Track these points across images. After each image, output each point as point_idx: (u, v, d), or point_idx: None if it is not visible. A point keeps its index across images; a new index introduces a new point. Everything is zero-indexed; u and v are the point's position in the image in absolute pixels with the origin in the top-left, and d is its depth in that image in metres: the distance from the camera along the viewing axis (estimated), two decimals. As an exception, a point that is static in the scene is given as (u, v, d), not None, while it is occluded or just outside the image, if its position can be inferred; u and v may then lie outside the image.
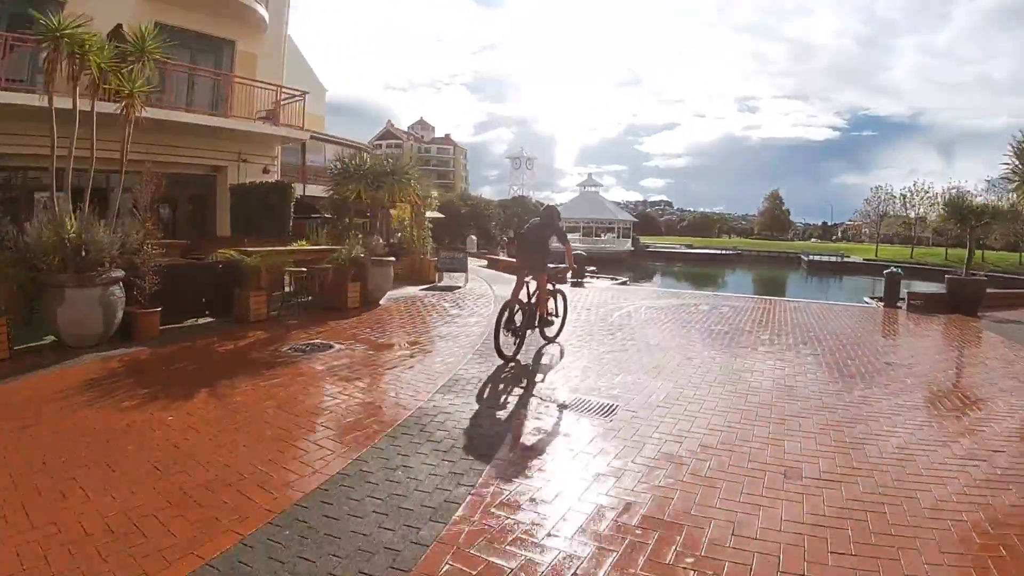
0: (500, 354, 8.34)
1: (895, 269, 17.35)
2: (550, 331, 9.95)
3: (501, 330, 8.37)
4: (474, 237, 42.54)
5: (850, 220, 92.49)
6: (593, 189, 70.52)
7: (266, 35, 20.50)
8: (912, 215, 69.92)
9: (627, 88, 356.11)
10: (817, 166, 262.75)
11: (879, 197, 73.27)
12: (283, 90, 19.26)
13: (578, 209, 66.86)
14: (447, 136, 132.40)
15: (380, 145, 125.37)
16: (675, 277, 55.42)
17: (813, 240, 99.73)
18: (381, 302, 13.81)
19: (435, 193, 27.34)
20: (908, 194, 69.84)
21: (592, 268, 33.20)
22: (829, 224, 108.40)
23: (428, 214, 28.03)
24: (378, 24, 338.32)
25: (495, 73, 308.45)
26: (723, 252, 73.76)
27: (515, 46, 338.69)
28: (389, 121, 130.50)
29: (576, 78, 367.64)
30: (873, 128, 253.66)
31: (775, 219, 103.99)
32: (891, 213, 73.24)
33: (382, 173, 13.78)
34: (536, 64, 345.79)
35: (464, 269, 18.77)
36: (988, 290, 16.32)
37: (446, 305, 13.89)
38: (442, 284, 18.20)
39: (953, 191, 65.50)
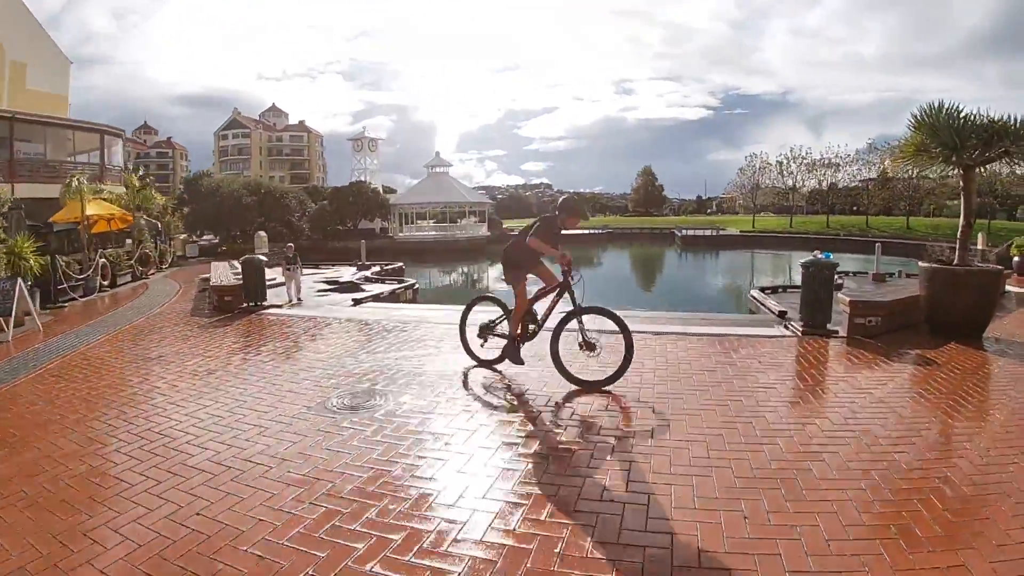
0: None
1: (821, 255, 8.85)
2: (586, 373, 6.15)
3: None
4: (263, 234, 31.97)
5: (724, 192, 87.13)
6: (442, 170, 60.30)
7: None
8: (789, 183, 64.28)
9: (507, 73, 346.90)
10: (692, 144, 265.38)
11: (754, 166, 67.26)
12: None
13: (426, 193, 56.87)
14: (301, 123, 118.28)
15: (226, 135, 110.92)
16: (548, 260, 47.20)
17: (687, 215, 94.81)
18: None
19: (80, 180, 16.81)
20: (784, 161, 64.11)
21: (375, 269, 23.94)
22: (704, 198, 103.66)
23: (91, 210, 17.49)
24: (249, 11, 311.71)
25: (372, 60, 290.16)
26: (594, 232, 66.27)
27: (392, 32, 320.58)
28: (236, 109, 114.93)
29: (455, 64, 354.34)
30: (745, 107, 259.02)
31: (649, 195, 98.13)
32: (766, 183, 67.58)
33: None
34: (414, 51, 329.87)
35: (8, 312, 8.75)
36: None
37: None
38: None
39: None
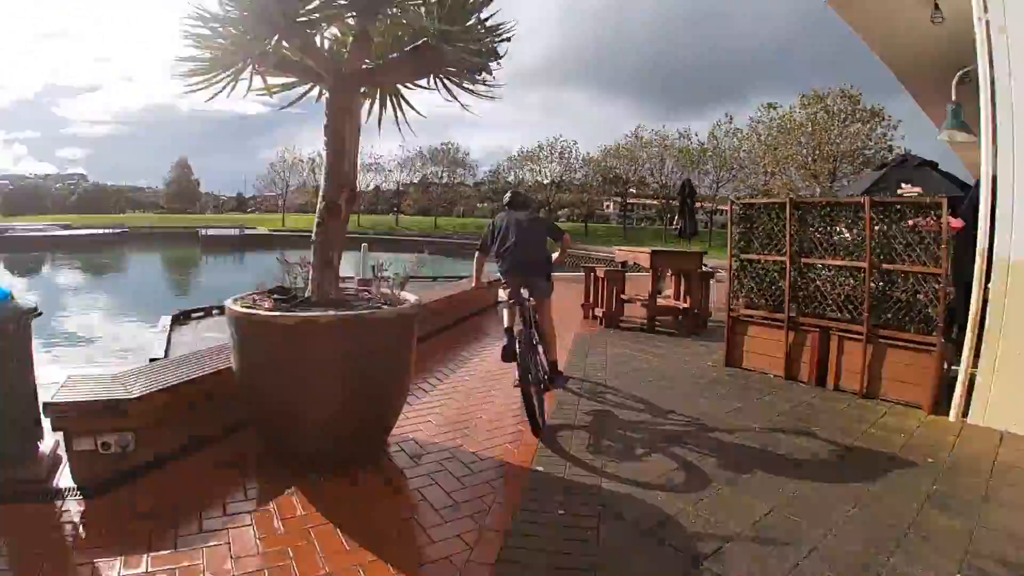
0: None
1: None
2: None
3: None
4: None
5: (255, 190, 79.10)
6: None
7: None
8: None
9: (52, 40, 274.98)
10: (246, 141, 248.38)
11: (286, 161, 61.99)
12: None
13: None
14: None
15: None
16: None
17: (227, 212, 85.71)
18: None
19: None
20: (318, 158, 60.27)
21: None
22: (246, 196, 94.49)
23: None
24: None
25: None
26: (109, 231, 53.22)
27: None
28: None
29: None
30: (302, 107, 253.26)
31: (184, 191, 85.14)
32: (296, 182, 63.41)
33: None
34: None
35: None
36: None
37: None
38: None
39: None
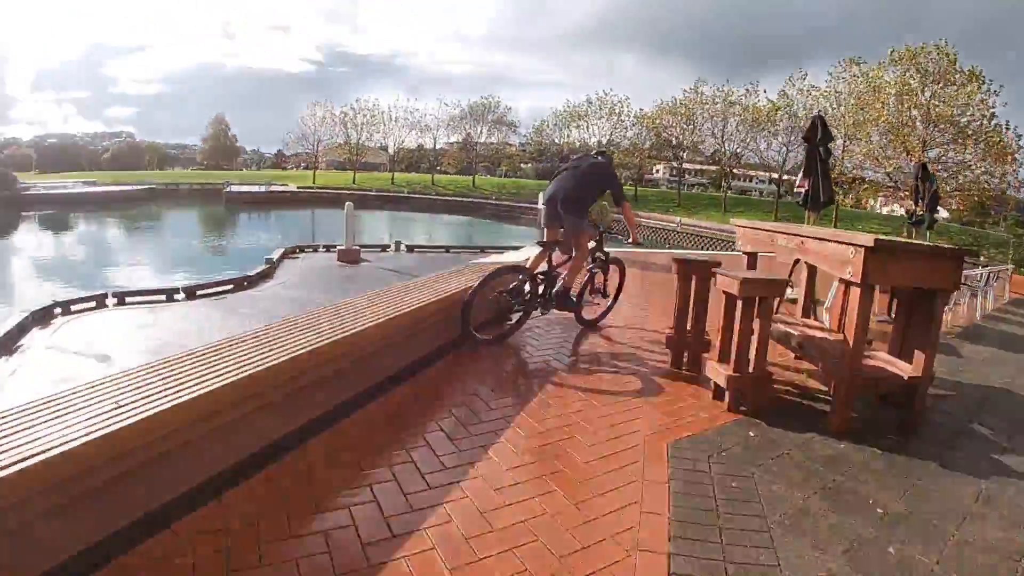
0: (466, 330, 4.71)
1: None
2: (588, 313, 5.67)
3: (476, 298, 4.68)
4: None
5: (286, 146, 74.87)
6: None
7: None
8: (354, 137, 56.88)
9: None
10: (291, 98, 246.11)
11: (316, 116, 58.06)
12: None
13: None
14: None
15: None
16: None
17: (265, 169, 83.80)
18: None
19: None
20: (351, 113, 56.25)
21: None
22: (287, 154, 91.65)
23: None
24: None
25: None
26: (134, 188, 50.37)
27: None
28: None
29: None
30: (349, 65, 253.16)
31: (221, 147, 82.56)
32: (329, 138, 59.64)
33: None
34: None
35: None
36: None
37: None
38: None
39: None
